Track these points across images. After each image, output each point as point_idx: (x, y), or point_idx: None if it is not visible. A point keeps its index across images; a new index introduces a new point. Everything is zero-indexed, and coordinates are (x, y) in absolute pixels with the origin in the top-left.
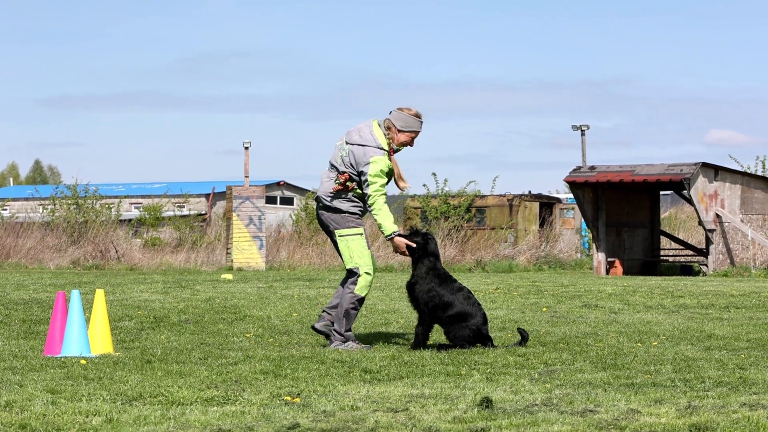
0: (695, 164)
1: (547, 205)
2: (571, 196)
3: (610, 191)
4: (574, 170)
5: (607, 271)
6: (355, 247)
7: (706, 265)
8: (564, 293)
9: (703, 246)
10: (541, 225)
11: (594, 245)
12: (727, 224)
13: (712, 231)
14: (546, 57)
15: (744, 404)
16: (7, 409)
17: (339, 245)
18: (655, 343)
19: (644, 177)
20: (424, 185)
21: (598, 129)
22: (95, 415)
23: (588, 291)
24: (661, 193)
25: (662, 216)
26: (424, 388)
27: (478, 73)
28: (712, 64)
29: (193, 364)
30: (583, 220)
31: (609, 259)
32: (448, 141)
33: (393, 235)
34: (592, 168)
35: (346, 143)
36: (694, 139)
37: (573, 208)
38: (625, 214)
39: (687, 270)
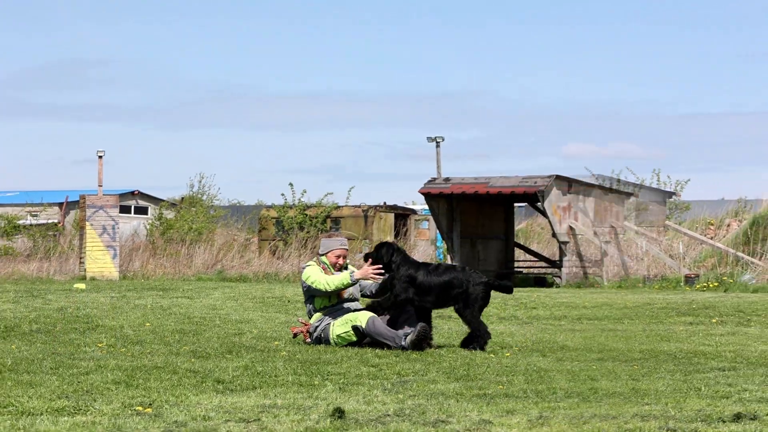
0: (549, 177)
1: (402, 216)
2: (426, 207)
3: (465, 203)
4: (429, 182)
5: None
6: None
7: (560, 277)
8: None
9: (557, 258)
10: (396, 236)
11: (448, 256)
12: (580, 236)
13: (565, 243)
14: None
15: (596, 416)
16: None
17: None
18: (508, 354)
19: (499, 189)
20: (282, 195)
21: (455, 141)
22: None
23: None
24: (516, 205)
25: (517, 228)
26: (277, 398)
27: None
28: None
29: (44, 374)
30: (437, 231)
31: None
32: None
33: (352, 279)
34: (447, 180)
35: None
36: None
37: (428, 220)
38: (480, 225)
39: (541, 281)
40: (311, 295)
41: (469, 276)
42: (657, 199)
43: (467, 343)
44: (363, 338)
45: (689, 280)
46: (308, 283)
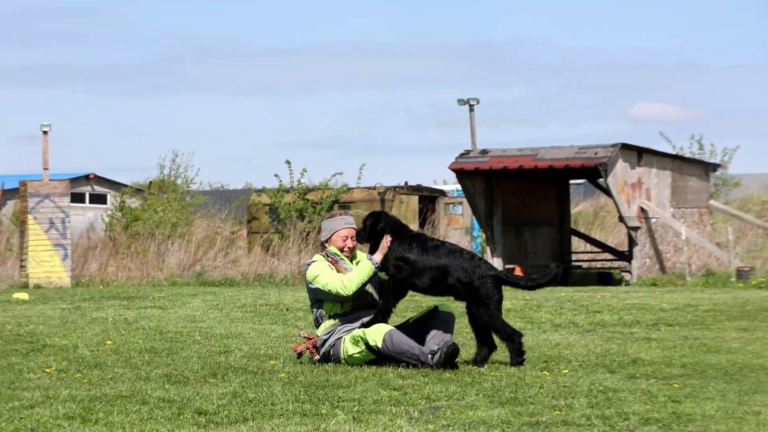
0: (613, 146)
1: (429, 199)
2: (459, 187)
3: (508, 181)
4: (462, 155)
5: None
6: None
7: (630, 272)
8: None
9: (626, 248)
10: (422, 224)
11: (488, 249)
12: (654, 220)
13: (635, 229)
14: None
15: None
16: None
17: None
18: (566, 371)
19: (550, 162)
20: (275, 176)
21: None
22: None
23: None
24: (572, 182)
25: (573, 211)
26: None
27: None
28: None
29: None
30: (474, 217)
31: (507, 266)
32: (307, 121)
33: (375, 265)
34: (485, 152)
35: None
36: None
37: (461, 203)
38: (527, 209)
39: (606, 278)
40: (319, 299)
41: (476, 265)
42: (697, 172)
43: (516, 359)
44: (380, 357)
45: (742, 275)
46: (317, 284)
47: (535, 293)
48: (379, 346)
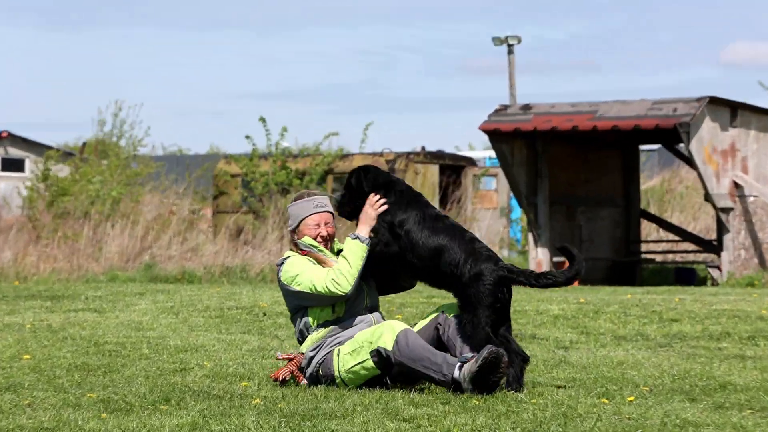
0: (698, 100)
1: (453, 169)
2: (492, 154)
3: (558, 146)
4: (498, 112)
5: None
6: None
7: (719, 268)
8: None
9: (713, 236)
10: (443, 202)
11: (531, 236)
12: (752, 199)
13: (727, 211)
14: None
15: None
16: None
17: None
18: (631, 399)
19: (614, 122)
20: (247, 137)
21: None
22: None
23: (520, 311)
24: (643, 148)
25: (644, 187)
26: None
27: None
28: None
29: None
30: (512, 193)
31: (555, 259)
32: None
33: (362, 239)
34: (527, 108)
35: None
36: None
37: (495, 175)
38: (582, 183)
39: (686, 276)
40: (303, 305)
41: (471, 253)
42: None
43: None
44: (390, 369)
45: None
46: (298, 287)
47: (591, 294)
48: (389, 349)
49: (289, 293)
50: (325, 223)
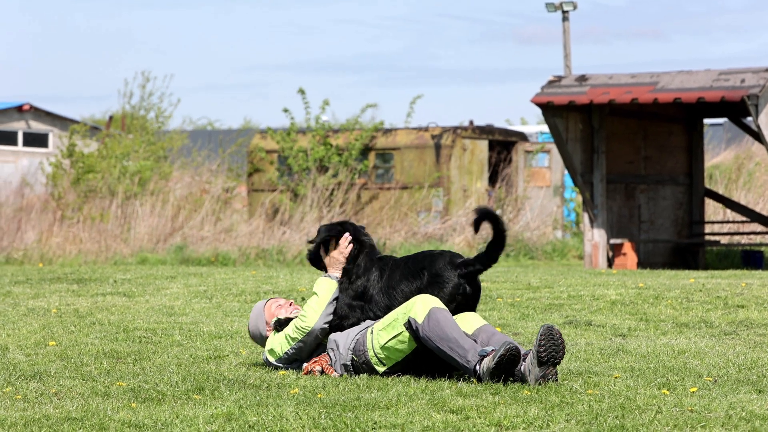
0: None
1: (503, 145)
2: (545, 129)
3: (616, 120)
4: (551, 83)
5: (610, 263)
6: None
7: None
8: (531, 300)
9: None
10: (492, 181)
11: (586, 216)
12: None
13: None
14: None
15: None
16: None
17: None
18: (694, 390)
19: (676, 94)
20: (285, 111)
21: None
22: None
23: (575, 296)
24: (707, 122)
25: (708, 164)
26: None
27: None
28: None
29: None
30: (566, 171)
31: (613, 241)
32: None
33: (333, 277)
34: (583, 79)
35: None
36: None
37: (548, 151)
38: (642, 160)
39: (754, 259)
40: (308, 349)
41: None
42: None
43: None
44: (420, 341)
45: None
46: (282, 350)
47: (651, 278)
48: (420, 322)
49: (293, 356)
50: (284, 305)
